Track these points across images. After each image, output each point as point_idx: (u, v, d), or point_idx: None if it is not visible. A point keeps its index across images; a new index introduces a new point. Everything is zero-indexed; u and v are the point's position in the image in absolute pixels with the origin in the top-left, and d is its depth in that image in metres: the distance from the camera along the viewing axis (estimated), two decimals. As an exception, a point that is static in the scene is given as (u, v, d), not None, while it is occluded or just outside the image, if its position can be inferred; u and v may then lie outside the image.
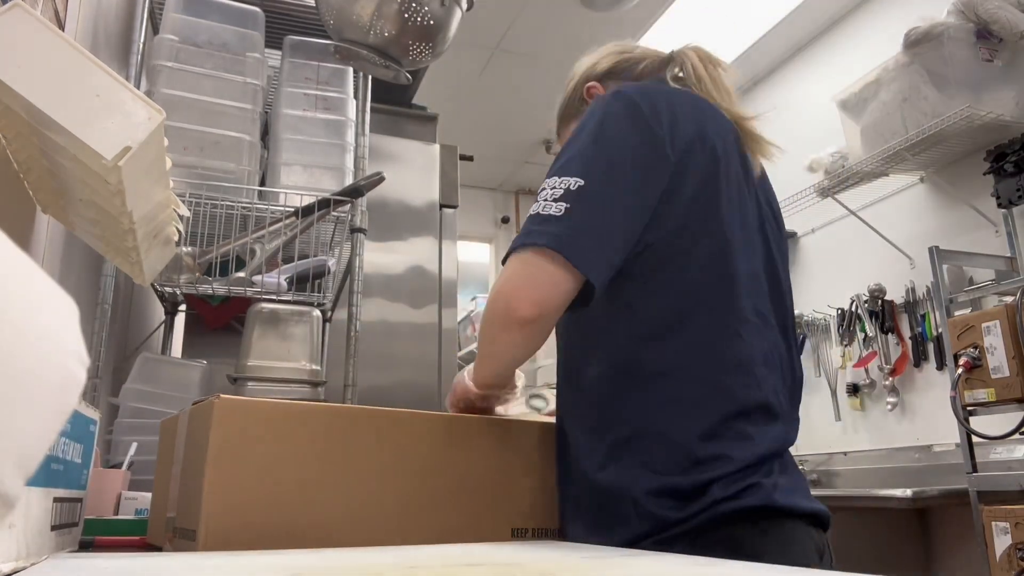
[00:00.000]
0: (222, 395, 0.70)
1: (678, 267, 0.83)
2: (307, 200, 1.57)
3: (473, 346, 4.63)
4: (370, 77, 1.86)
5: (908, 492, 2.30)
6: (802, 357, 3.36)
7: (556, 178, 0.81)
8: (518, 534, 0.82)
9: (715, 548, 0.73)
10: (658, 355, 0.82)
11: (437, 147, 2.59)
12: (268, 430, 0.70)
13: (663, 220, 0.83)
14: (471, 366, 0.94)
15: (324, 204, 1.55)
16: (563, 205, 0.78)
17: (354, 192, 1.61)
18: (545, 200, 0.80)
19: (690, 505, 0.76)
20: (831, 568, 0.82)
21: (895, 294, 2.99)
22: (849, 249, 3.26)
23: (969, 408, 2.18)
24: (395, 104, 2.55)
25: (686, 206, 0.84)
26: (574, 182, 0.80)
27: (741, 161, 0.93)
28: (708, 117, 0.91)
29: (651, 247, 0.83)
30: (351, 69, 1.78)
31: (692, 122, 0.88)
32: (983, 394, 2.12)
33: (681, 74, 1.02)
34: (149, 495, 1.08)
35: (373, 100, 1.91)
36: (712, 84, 1.01)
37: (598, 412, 0.84)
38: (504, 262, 0.82)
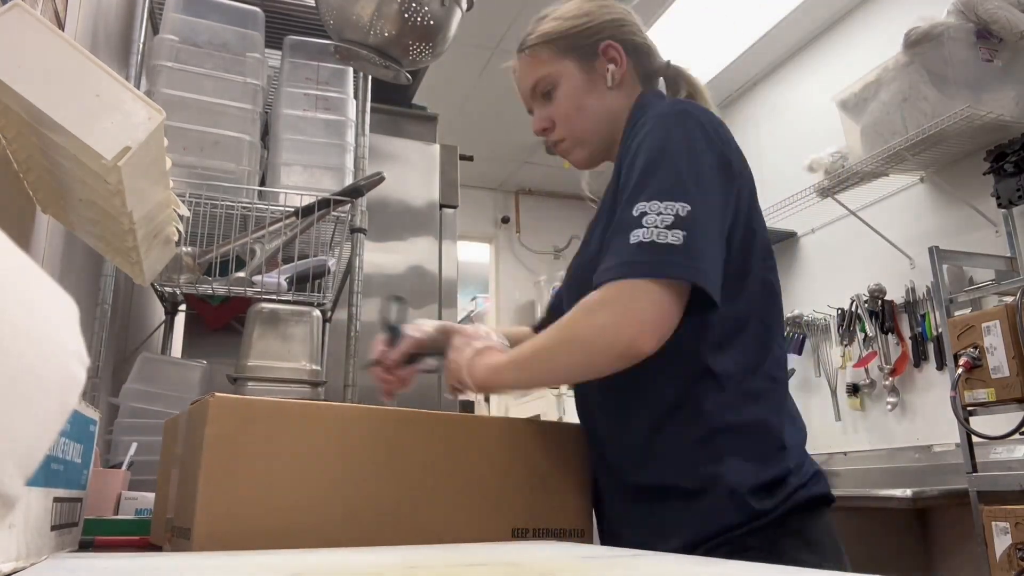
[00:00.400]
0: (217, 394, 0.69)
1: (741, 281, 0.88)
2: (307, 200, 1.57)
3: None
4: (370, 77, 1.86)
5: (908, 492, 2.31)
6: (802, 357, 3.39)
7: (658, 203, 0.80)
8: (519, 534, 0.82)
9: (788, 538, 0.81)
10: (726, 358, 0.86)
11: (437, 147, 2.59)
12: (264, 429, 0.70)
13: (730, 236, 0.87)
14: (487, 343, 0.91)
15: (324, 204, 1.55)
16: (680, 233, 0.78)
17: (354, 192, 1.61)
18: (656, 227, 0.79)
19: (775, 495, 0.81)
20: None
21: (895, 294, 2.99)
22: (849, 249, 3.26)
23: (969, 408, 2.18)
24: (395, 104, 2.55)
25: (743, 223, 0.89)
26: (682, 207, 0.80)
27: None
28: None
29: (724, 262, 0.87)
30: (351, 69, 1.78)
31: (736, 144, 0.93)
32: (983, 394, 2.12)
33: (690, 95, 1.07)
34: (149, 495, 1.08)
35: (373, 100, 1.90)
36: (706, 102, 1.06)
37: (675, 416, 0.86)
38: (610, 276, 0.80)
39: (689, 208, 0.80)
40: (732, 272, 0.86)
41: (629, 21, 1.06)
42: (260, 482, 0.69)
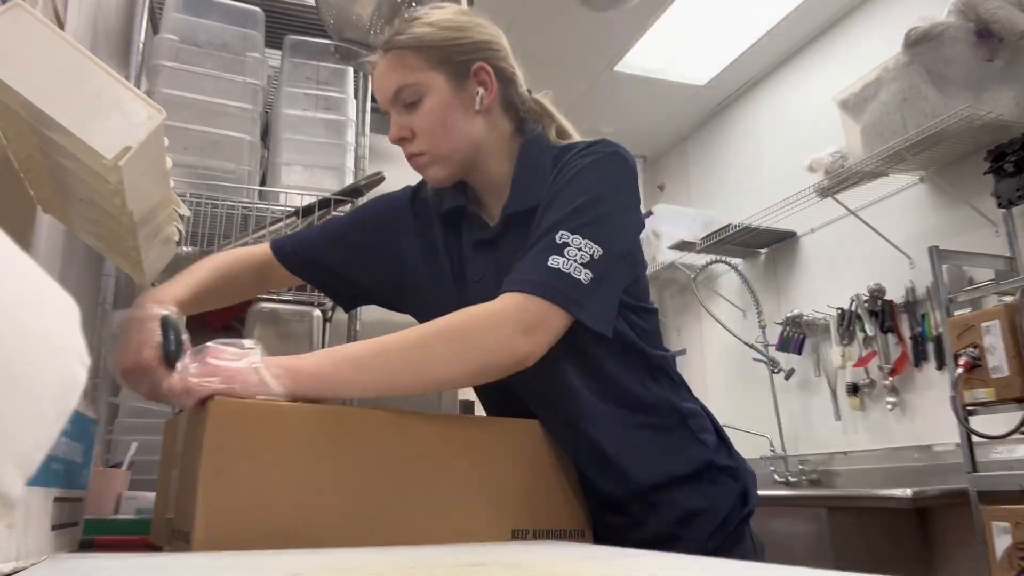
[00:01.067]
0: (217, 396, 0.69)
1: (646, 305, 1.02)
2: (307, 200, 1.57)
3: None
4: (370, 77, 1.86)
5: (908, 492, 2.30)
6: (802, 357, 3.39)
7: (580, 238, 0.88)
8: (518, 535, 0.82)
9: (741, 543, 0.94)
10: (658, 352, 1.00)
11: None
12: (263, 431, 0.70)
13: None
14: (252, 358, 0.75)
15: (324, 204, 1.55)
16: (588, 274, 0.86)
17: (354, 192, 1.61)
18: (574, 261, 0.86)
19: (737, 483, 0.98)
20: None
21: (895, 294, 2.99)
22: (849, 249, 3.26)
23: (969, 408, 2.18)
24: (395, 104, 2.55)
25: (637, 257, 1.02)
26: (596, 251, 0.88)
27: None
28: None
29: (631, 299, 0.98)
30: (351, 69, 1.78)
31: None
32: (983, 394, 2.12)
33: (551, 132, 1.07)
34: (149, 495, 1.08)
35: (373, 100, 1.90)
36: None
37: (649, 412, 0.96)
38: (522, 288, 0.85)
39: (602, 253, 0.88)
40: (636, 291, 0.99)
41: (502, 46, 1.04)
42: (259, 484, 0.69)
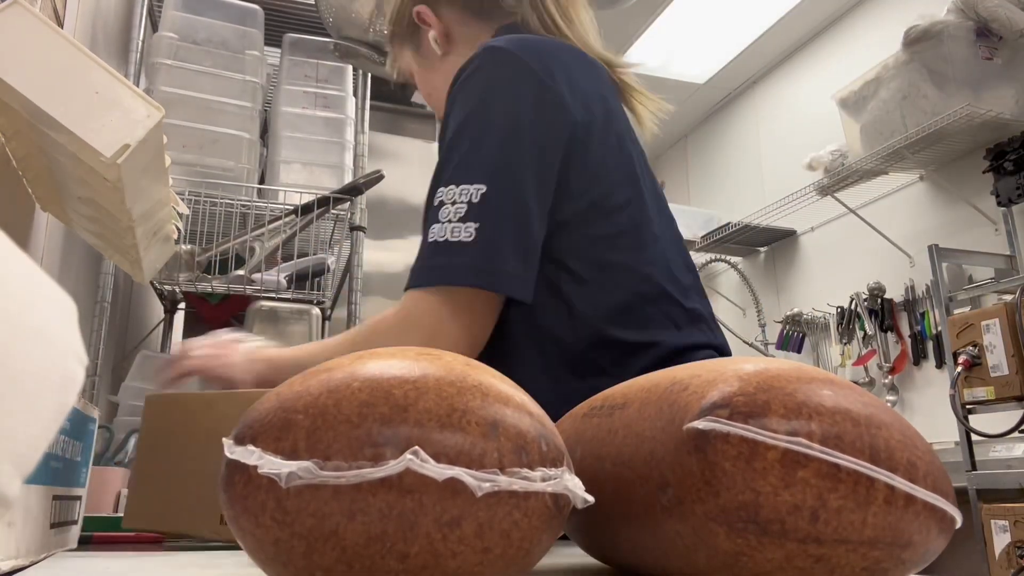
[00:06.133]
0: (150, 392, 0.70)
1: (604, 246, 0.75)
2: (306, 198, 1.57)
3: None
4: (369, 75, 1.86)
5: (907, 490, 2.30)
6: (801, 355, 3.39)
7: (454, 187, 0.70)
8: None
9: None
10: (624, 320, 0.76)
11: (437, 145, 2.58)
12: (195, 422, 0.70)
13: (575, 193, 0.74)
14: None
15: (323, 202, 1.55)
16: (471, 227, 0.67)
17: (353, 190, 1.60)
18: (449, 221, 0.68)
19: None
20: None
21: (894, 292, 2.99)
22: (848, 247, 3.26)
23: (968, 406, 2.19)
24: (394, 102, 2.55)
25: (597, 174, 0.75)
26: (476, 191, 0.68)
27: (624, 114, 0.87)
28: (598, 70, 0.84)
29: (566, 226, 0.74)
30: (350, 67, 1.78)
31: (588, 78, 0.80)
32: (982, 392, 2.12)
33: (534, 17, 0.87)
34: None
35: (372, 98, 1.90)
36: (573, 27, 0.88)
37: None
38: (408, 283, 0.71)
39: (484, 189, 0.68)
40: (584, 237, 0.75)
41: None
42: (197, 477, 0.68)
